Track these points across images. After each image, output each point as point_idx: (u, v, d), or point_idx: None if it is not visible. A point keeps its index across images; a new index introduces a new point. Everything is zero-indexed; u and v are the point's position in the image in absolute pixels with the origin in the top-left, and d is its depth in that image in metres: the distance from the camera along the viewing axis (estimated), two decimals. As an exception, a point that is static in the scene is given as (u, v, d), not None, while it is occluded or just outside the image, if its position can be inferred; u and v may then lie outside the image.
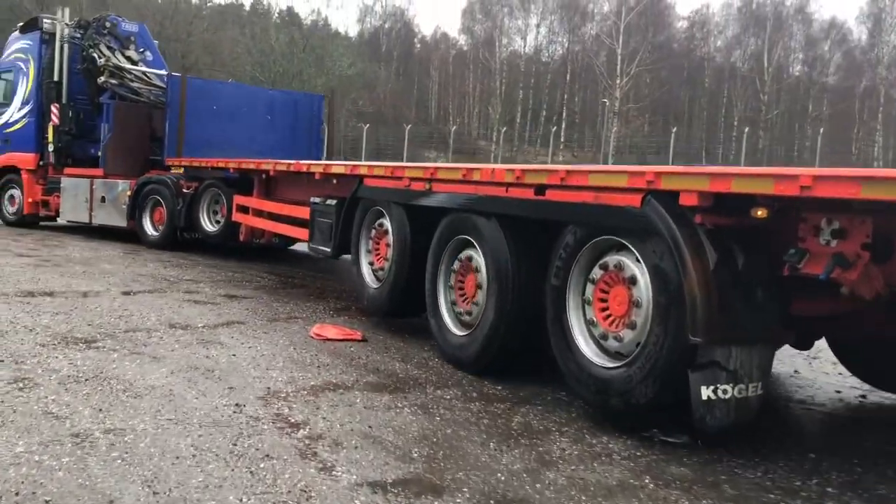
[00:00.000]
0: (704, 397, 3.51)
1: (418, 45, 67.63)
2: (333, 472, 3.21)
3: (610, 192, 4.00)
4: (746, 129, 37.79)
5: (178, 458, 3.25)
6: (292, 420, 3.83)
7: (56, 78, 12.76)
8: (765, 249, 3.63)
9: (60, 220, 13.09)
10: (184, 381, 4.38)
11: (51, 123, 12.68)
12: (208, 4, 49.57)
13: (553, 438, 3.89)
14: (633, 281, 3.94)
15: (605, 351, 4.16)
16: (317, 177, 7.32)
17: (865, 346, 5.08)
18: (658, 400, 3.78)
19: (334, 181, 7.11)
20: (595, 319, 4.19)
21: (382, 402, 4.27)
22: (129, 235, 11.91)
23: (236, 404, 4.01)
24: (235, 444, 3.45)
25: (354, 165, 6.66)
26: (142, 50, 13.53)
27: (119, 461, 3.16)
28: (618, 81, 50.07)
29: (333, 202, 7.01)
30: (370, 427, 3.82)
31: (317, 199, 7.35)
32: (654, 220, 3.69)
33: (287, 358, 5.11)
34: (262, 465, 3.23)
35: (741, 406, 3.58)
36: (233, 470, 3.16)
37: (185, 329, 5.74)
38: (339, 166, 6.99)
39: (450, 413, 4.16)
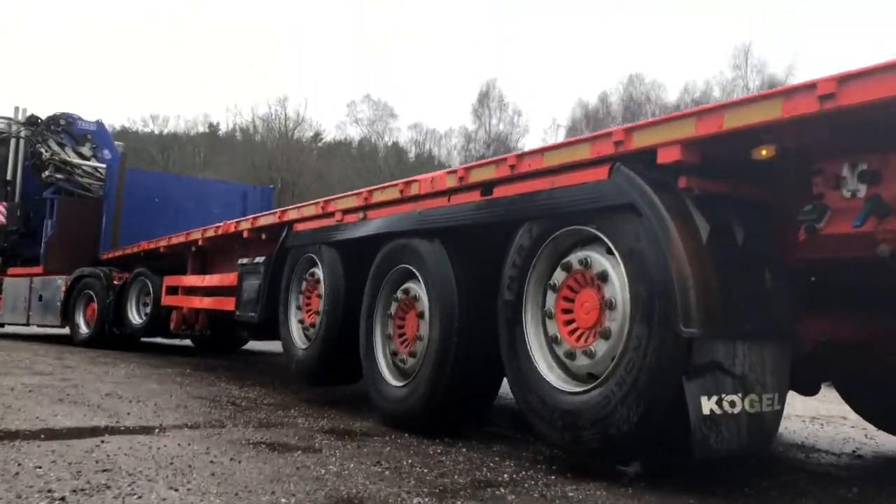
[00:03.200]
0: (706, 411, 2.61)
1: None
2: None
3: (570, 171, 3.24)
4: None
5: None
6: None
7: (9, 177, 12.20)
8: (772, 223, 2.86)
9: (2, 321, 12.16)
10: None
11: None
12: (318, 144, 50.36)
13: None
14: (603, 277, 3.10)
15: (573, 375, 3.25)
16: (246, 234, 6.50)
17: (886, 385, 4.23)
18: (645, 427, 2.85)
19: (263, 236, 6.27)
20: (559, 335, 3.31)
21: None
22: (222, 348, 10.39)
23: None
24: None
25: (283, 211, 5.86)
26: (95, 146, 13.05)
27: None
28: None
29: (262, 259, 6.15)
30: None
31: (245, 260, 6.49)
32: (628, 191, 2.92)
33: None
34: None
35: (755, 424, 2.68)
36: None
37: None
38: (267, 216, 6.18)
39: None
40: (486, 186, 3.75)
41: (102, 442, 3.65)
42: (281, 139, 47.07)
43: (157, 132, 53.48)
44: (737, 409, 2.65)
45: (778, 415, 2.78)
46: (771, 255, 2.82)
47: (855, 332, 3.42)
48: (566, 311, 3.31)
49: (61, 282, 10.94)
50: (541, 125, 78.91)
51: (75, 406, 4.79)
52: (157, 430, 4.04)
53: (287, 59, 79.88)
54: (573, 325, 3.27)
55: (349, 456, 3.52)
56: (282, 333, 5.78)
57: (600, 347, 3.08)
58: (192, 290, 8.21)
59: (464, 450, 3.72)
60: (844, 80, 2.23)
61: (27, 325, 11.60)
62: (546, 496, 2.92)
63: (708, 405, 2.62)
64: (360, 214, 4.79)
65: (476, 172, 3.80)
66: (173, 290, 8.62)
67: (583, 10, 74.08)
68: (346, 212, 4.96)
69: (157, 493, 2.74)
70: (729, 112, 2.56)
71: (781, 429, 3.92)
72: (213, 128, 56.48)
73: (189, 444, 3.66)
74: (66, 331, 10.98)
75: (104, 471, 3.05)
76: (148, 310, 9.52)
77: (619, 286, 3.02)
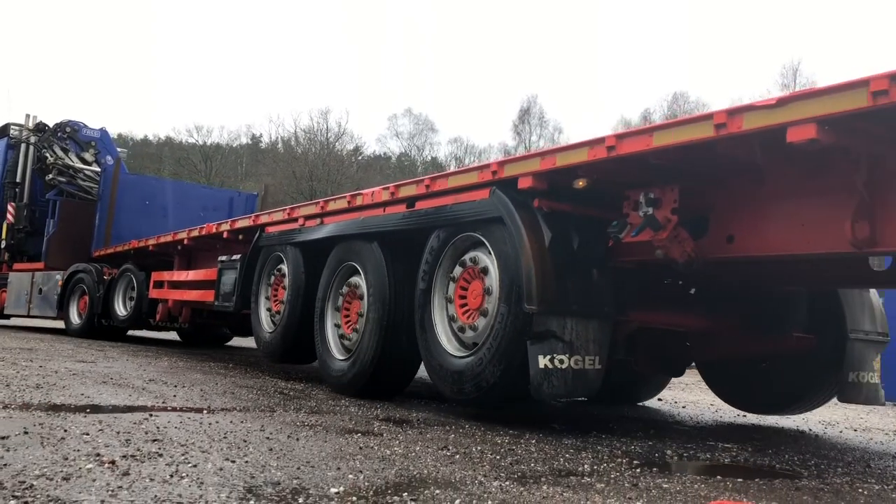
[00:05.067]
0: (541, 366, 3.68)
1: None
2: None
3: (466, 191, 4.32)
4: None
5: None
6: None
7: (18, 179, 13.30)
8: (601, 235, 3.93)
9: (7, 312, 13.15)
10: None
11: (5, 222, 13.09)
12: (358, 157, 51.07)
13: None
14: (485, 271, 4.18)
15: (463, 344, 4.32)
16: (225, 235, 7.52)
17: (727, 368, 5.33)
18: (505, 380, 3.92)
19: (240, 237, 7.31)
20: (456, 315, 4.38)
21: None
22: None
23: None
24: None
25: (257, 215, 6.91)
26: (97, 152, 14.05)
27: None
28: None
29: (238, 256, 7.18)
30: None
31: (224, 258, 7.52)
32: (499, 207, 3.99)
33: None
34: None
35: (578, 377, 3.75)
36: None
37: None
38: (243, 220, 7.22)
39: None
40: (410, 201, 4.82)
41: (151, 415, 3.63)
42: (322, 151, 47.75)
43: (200, 142, 54.67)
44: (564, 366, 3.71)
45: (599, 372, 3.84)
46: (598, 257, 3.89)
47: (668, 319, 4.52)
48: (461, 297, 4.38)
49: (59, 276, 11.91)
50: (582, 142, 78.62)
51: (120, 388, 4.82)
52: (205, 411, 3.95)
53: (329, 70, 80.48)
54: (466, 307, 4.34)
55: (412, 440, 3.42)
56: (252, 320, 6.81)
57: (481, 322, 4.15)
58: (177, 284, 9.21)
59: (533, 441, 3.68)
60: (621, 136, 3.32)
61: (28, 316, 12.56)
62: (639, 486, 2.76)
63: (543, 361, 3.68)
64: (318, 220, 5.84)
65: (403, 189, 4.87)
66: (160, 284, 9.62)
67: (628, 26, 74.44)
68: (307, 217, 6.01)
69: (214, 464, 2.62)
70: (559, 154, 3.65)
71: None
72: (256, 139, 57.35)
73: (242, 423, 3.59)
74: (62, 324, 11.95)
75: (154, 440, 3.00)
76: (133, 303, 10.52)
77: (494, 277, 4.09)
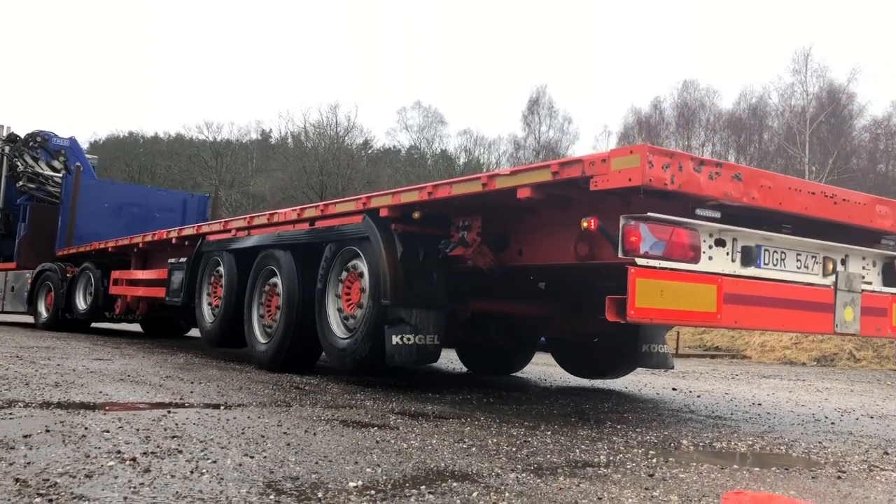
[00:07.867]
0: (394, 342, 5.21)
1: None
2: None
3: (348, 215, 5.83)
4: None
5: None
6: None
7: None
8: (438, 249, 5.47)
9: None
10: None
11: None
12: (368, 151, 51.47)
13: None
14: (361, 276, 5.70)
15: (348, 329, 5.84)
16: (174, 241, 8.93)
17: (563, 344, 6.95)
18: (373, 354, 5.45)
19: (186, 242, 8.72)
20: (343, 308, 5.90)
21: None
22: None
23: None
24: None
25: (199, 226, 8.33)
26: (66, 160, 15.19)
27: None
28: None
29: (185, 259, 8.60)
30: None
31: (173, 260, 8.93)
32: (368, 229, 5.51)
33: None
34: None
35: (422, 350, 5.29)
36: None
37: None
38: (188, 229, 8.63)
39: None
40: (312, 220, 6.31)
41: (169, 412, 3.69)
42: (332, 145, 48.20)
43: (210, 139, 55.30)
44: (410, 342, 5.24)
45: (438, 347, 5.37)
46: (437, 265, 5.42)
47: (499, 307, 6.08)
48: (347, 294, 5.89)
49: (29, 275, 13.19)
50: (592, 132, 75.09)
51: (137, 385, 5.00)
52: (222, 407, 4.06)
53: (337, 64, 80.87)
54: (350, 302, 5.85)
55: (428, 433, 3.51)
56: (196, 313, 8.25)
57: (358, 313, 5.67)
58: (134, 282, 10.59)
59: (548, 433, 3.76)
60: (436, 186, 4.84)
61: (2, 312, 13.81)
62: (655, 476, 2.80)
63: (395, 339, 5.20)
64: (246, 232, 7.30)
65: (307, 211, 6.36)
66: (119, 282, 10.97)
67: (637, 13, 75.48)
68: (238, 229, 7.46)
69: (233, 459, 2.69)
70: (403, 194, 5.17)
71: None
72: (266, 135, 57.85)
73: (259, 418, 3.68)
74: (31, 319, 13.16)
75: (174, 437, 3.04)
76: (91, 298, 11.82)
77: (367, 280, 5.61)
